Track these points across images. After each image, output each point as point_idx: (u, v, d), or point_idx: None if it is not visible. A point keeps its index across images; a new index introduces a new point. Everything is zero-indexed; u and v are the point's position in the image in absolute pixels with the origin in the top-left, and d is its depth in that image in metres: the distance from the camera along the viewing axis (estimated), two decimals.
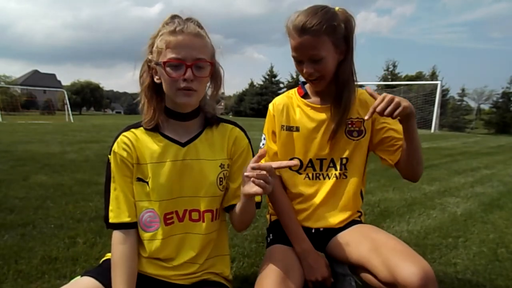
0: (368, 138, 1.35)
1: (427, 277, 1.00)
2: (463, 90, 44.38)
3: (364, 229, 1.31)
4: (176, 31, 1.02)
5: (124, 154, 1.10)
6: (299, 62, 1.27)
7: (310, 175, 1.38)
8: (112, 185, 1.10)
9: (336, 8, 1.26)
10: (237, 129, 1.22)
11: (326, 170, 1.37)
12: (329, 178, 1.37)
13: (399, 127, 1.25)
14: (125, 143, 1.11)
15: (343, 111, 1.30)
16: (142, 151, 1.11)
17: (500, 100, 41.30)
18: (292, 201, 1.40)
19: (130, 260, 1.07)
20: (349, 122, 1.33)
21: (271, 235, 1.42)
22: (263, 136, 1.45)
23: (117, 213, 1.09)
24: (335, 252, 1.32)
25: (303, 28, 1.18)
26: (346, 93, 1.29)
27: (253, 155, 1.24)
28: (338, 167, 1.36)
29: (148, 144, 1.11)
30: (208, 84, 1.14)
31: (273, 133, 1.42)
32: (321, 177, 1.38)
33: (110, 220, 1.09)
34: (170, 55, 1.02)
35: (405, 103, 1.08)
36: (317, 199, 1.38)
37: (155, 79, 1.09)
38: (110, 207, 1.10)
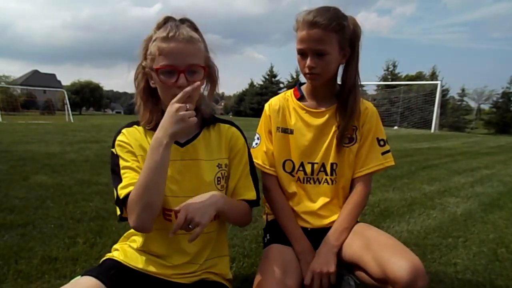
0: (356, 147, 1.37)
1: (416, 271, 1.00)
2: (463, 90, 44.40)
3: (357, 227, 1.32)
4: (168, 38, 1.01)
5: (130, 142, 1.10)
6: (303, 55, 1.27)
7: (301, 178, 1.39)
8: (122, 171, 1.06)
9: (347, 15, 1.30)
10: (234, 128, 1.23)
11: (317, 175, 1.38)
12: (319, 183, 1.38)
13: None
14: (128, 136, 1.11)
15: (349, 117, 1.32)
16: (144, 147, 1.11)
17: (500, 100, 41.28)
18: (288, 200, 1.41)
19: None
20: (338, 125, 1.34)
21: (268, 235, 1.42)
22: (257, 135, 1.46)
23: (128, 188, 1.03)
24: None
25: (314, 21, 1.21)
26: (352, 99, 1.31)
27: (249, 154, 1.25)
28: (329, 172, 1.37)
29: (149, 142, 1.12)
30: (204, 86, 1.15)
31: (270, 133, 1.42)
32: (311, 181, 1.39)
33: (121, 197, 1.02)
34: (162, 62, 1.02)
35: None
36: (310, 204, 1.39)
37: (150, 84, 1.09)
38: (120, 185, 1.04)
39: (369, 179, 1.38)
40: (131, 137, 1.12)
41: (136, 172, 1.06)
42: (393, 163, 1.38)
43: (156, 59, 1.03)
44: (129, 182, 1.04)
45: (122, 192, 1.03)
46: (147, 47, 1.06)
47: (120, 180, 1.06)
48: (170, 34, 1.01)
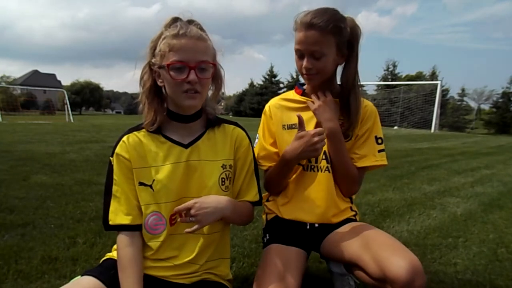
0: (351, 143, 1.38)
1: (414, 270, 1.01)
2: (463, 90, 44.37)
3: (356, 226, 1.32)
4: (179, 35, 1.03)
5: (127, 156, 1.10)
6: (300, 56, 1.28)
7: (306, 166, 1.40)
8: (114, 188, 1.10)
9: (346, 15, 1.30)
10: (239, 129, 1.24)
11: (320, 163, 1.39)
12: (321, 171, 1.39)
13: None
14: (127, 146, 1.11)
15: (356, 116, 1.33)
16: (145, 154, 1.11)
17: (500, 100, 41.24)
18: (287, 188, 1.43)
19: (138, 263, 1.07)
20: (340, 123, 1.35)
21: (267, 235, 1.43)
22: (258, 136, 1.47)
23: (118, 215, 1.09)
24: (329, 250, 1.33)
25: (311, 23, 1.21)
26: (353, 99, 1.32)
27: (253, 155, 1.25)
28: (329, 159, 1.38)
29: (151, 147, 1.12)
30: (210, 85, 1.15)
31: (270, 135, 1.43)
32: (315, 169, 1.39)
33: (110, 222, 1.09)
34: (173, 58, 1.02)
35: None
36: (311, 192, 1.39)
37: (158, 82, 1.09)
38: (111, 209, 1.10)
39: (363, 173, 1.40)
40: (131, 148, 1.11)
41: (125, 195, 1.10)
42: (386, 163, 1.40)
43: (166, 55, 1.03)
44: (118, 209, 1.10)
45: (111, 218, 1.10)
46: (155, 46, 1.06)
47: (109, 202, 1.11)
48: (181, 32, 1.03)
